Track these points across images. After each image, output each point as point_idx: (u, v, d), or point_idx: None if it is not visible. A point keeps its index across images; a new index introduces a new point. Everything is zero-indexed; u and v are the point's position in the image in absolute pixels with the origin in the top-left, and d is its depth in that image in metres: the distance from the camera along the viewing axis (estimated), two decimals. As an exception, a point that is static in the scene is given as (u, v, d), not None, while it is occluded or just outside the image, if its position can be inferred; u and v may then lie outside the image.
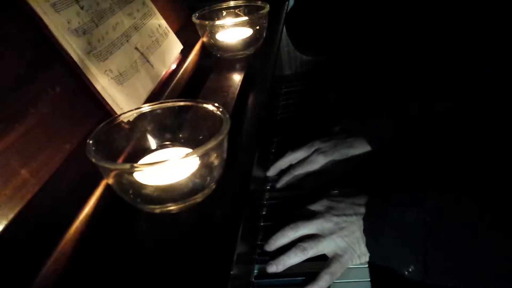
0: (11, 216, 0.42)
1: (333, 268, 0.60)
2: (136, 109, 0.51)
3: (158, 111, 0.52)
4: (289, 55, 1.23)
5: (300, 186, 0.77)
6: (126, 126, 0.51)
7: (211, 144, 0.43)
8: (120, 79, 0.58)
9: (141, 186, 0.45)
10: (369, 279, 0.61)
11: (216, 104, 0.50)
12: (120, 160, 0.49)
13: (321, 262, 0.62)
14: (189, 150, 0.45)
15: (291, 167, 0.78)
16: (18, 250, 0.40)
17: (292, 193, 0.77)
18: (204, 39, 0.80)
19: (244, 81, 0.74)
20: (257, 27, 0.80)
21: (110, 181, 0.45)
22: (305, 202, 0.68)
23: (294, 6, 1.18)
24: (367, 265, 0.63)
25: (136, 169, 0.42)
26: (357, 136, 0.76)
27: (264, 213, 0.77)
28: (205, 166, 0.46)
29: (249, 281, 0.64)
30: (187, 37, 0.81)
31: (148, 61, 0.65)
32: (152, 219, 0.47)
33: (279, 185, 0.78)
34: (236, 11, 0.85)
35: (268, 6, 0.81)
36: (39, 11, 0.51)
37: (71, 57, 0.53)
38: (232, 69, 0.78)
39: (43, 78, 0.51)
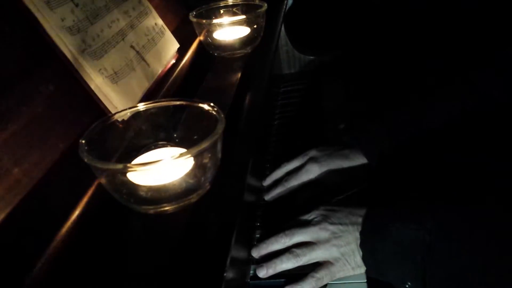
0: (2, 216, 0.41)
1: (320, 273, 0.60)
2: (130, 108, 0.51)
3: (153, 110, 0.52)
4: (288, 55, 1.22)
5: (294, 197, 0.75)
6: (120, 126, 0.50)
7: (205, 144, 0.42)
8: (115, 77, 0.57)
9: (135, 186, 0.44)
10: None
11: (212, 104, 0.49)
12: (114, 160, 0.48)
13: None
14: (184, 150, 0.45)
15: (284, 178, 0.76)
16: (8, 250, 0.39)
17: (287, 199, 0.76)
18: (201, 37, 0.80)
19: (241, 80, 0.73)
20: (255, 26, 0.79)
21: (103, 181, 0.44)
22: (300, 209, 0.67)
23: (292, 5, 1.18)
24: (365, 280, 0.62)
25: (129, 169, 0.42)
26: (354, 148, 0.75)
27: (260, 213, 0.77)
28: (200, 166, 0.45)
29: (245, 282, 0.64)
30: (184, 36, 0.81)
31: (144, 59, 0.64)
32: (146, 219, 0.47)
33: (269, 197, 0.76)
34: (234, 9, 0.84)
35: (265, 4, 0.80)
36: (32, 8, 0.50)
37: (64, 55, 0.53)
38: (229, 68, 0.78)
39: (36, 76, 0.50)
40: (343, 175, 0.73)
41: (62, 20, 0.53)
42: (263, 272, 0.62)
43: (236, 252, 0.54)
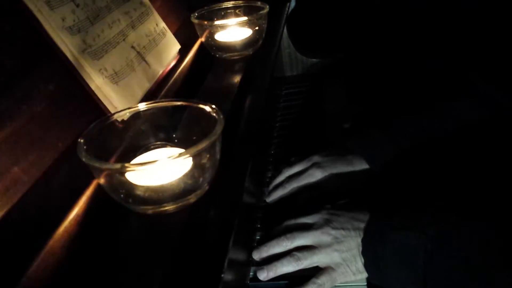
0: (0, 214, 0.41)
1: (322, 279, 0.59)
2: (129, 108, 0.51)
3: (152, 110, 0.52)
4: (290, 57, 1.22)
5: (294, 198, 0.75)
6: (119, 125, 0.50)
7: (203, 144, 0.42)
8: (115, 78, 0.57)
9: (133, 186, 0.44)
10: None
11: (211, 105, 0.49)
12: (112, 160, 0.48)
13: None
14: (182, 151, 0.45)
15: (285, 181, 0.76)
16: (5, 248, 0.39)
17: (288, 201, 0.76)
18: (203, 39, 0.80)
19: (242, 82, 0.73)
20: (256, 28, 0.79)
21: (101, 181, 0.44)
22: (301, 211, 0.67)
23: (295, 8, 1.18)
24: (365, 283, 0.62)
25: (127, 169, 0.42)
26: (357, 154, 0.74)
27: (261, 215, 0.76)
28: (198, 166, 0.45)
29: (245, 284, 0.64)
30: (186, 37, 0.81)
31: (144, 60, 0.64)
32: (144, 220, 0.47)
33: (271, 199, 0.76)
34: (235, 11, 0.84)
35: (267, 6, 0.80)
36: (33, 8, 0.50)
37: (65, 55, 0.53)
38: (231, 70, 0.78)
39: (36, 75, 0.50)
40: (345, 180, 0.73)
41: (63, 20, 0.53)
42: (264, 275, 0.62)
43: (235, 254, 0.54)
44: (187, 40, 0.80)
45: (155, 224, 0.46)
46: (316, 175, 0.73)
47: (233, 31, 0.79)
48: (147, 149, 0.51)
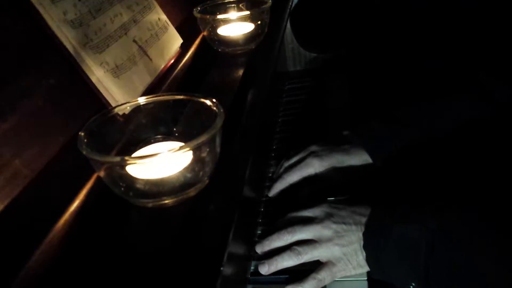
0: (1, 206, 0.42)
1: (322, 274, 0.59)
2: (130, 102, 0.51)
3: (153, 104, 0.52)
4: (293, 52, 1.22)
5: (296, 193, 0.75)
6: (120, 119, 0.50)
7: (203, 138, 0.42)
8: (117, 71, 0.57)
9: (133, 179, 0.44)
10: None
11: (212, 99, 0.49)
12: (113, 153, 0.49)
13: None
14: (183, 144, 0.45)
15: (283, 172, 0.76)
16: (6, 240, 0.40)
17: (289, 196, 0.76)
18: (205, 33, 0.80)
19: (244, 76, 0.73)
20: (259, 22, 0.79)
21: (102, 174, 0.44)
22: (303, 205, 0.67)
23: (298, 3, 1.17)
24: (366, 278, 0.62)
25: (127, 162, 0.42)
26: (355, 144, 0.74)
27: (262, 209, 0.76)
28: (198, 160, 0.45)
29: (245, 278, 0.64)
30: (188, 31, 0.81)
31: (146, 54, 0.64)
32: (144, 213, 0.47)
33: (272, 193, 0.76)
34: (238, 5, 0.84)
35: (270, 1, 0.80)
36: (34, 2, 0.51)
37: (66, 49, 0.53)
38: (233, 64, 0.77)
39: (37, 69, 0.50)
40: (343, 170, 0.73)
41: (64, 13, 0.54)
42: (265, 269, 0.62)
43: (235, 247, 0.54)
44: (189, 35, 0.80)
45: (155, 218, 0.47)
46: (313, 164, 0.73)
47: (236, 25, 0.79)
48: (147, 142, 0.51)
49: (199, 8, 0.80)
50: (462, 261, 0.52)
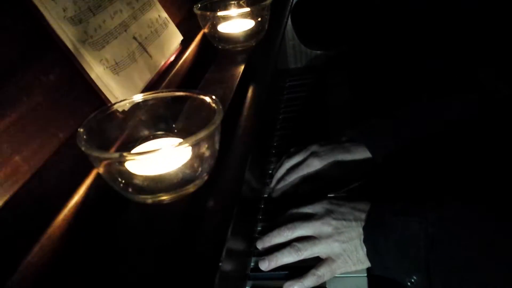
0: (0, 202, 0.42)
1: (321, 271, 0.59)
2: (129, 98, 0.51)
3: (152, 101, 0.52)
4: (294, 49, 1.22)
5: (296, 189, 0.75)
6: (119, 116, 0.50)
7: (202, 134, 0.42)
8: (116, 68, 0.57)
9: (132, 176, 0.44)
10: None
11: (211, 95, 0.49)
12: (113, 149, 0.49)
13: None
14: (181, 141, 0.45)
15: (285, 173, 0.76)
16: (5, 236, 0.40)
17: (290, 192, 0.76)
18: (206, 30, 0.80)
19: (244, 73, 0.73)
20: (259, 19, 0.79)
21: (101, 170, 0.44)
22: (303, 202, 0.67)
23: (299, 0, 1.17)
24: (365, 274, 0.62)
25: (125, 158, 0.42)
26: (356, 142, 0.74)
27: (262, 206, 0.77)
28: (197, 156, 0.45)
29: (245, 274, 0.64)
30: (189, 28, 0.81)
31: (146, 51, 0.64)
32: (143, 209, 0.47)
33: (275, 195, 0.76)
34: (239, 2, 0.84)
35: (270, -3, 0.80)
36: (34, -1, 0.51)
37: (65, 45, 0.53)
38: (233, 61, 0.77)
39: (37, 66, 0.50)
40: (344, 168, 0.73)
41: (64, 10, 0.54)
42: (265, 265, 0.62)
43: (235, 244, 0.54)
44: (190, 32, 0.80)
45: (154, 214, 0.47)
46: (314, 165, 0.73)
47: (236, 22, 0.79)
48: (147, 139, 0.51)
49: (199, 5, 0.80)
50: (463, 253, 0.52)
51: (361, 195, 0.67)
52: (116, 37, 0.60)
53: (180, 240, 0.44)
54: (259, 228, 0.72)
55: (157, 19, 0.70)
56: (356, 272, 0.62)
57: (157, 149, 0.41)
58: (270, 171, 0.83)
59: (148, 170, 0.45)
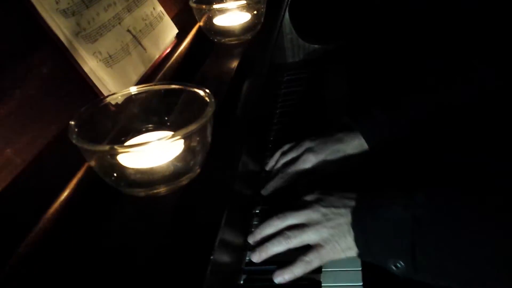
0: (-8, 195, 0.42)
1: (310, 257, 0.59)
2: (122, 91, 0.51)
3: (145, 94, 0.51)
4: (292, 43, 1.21)
5: (293, 185, 0.75)
6: (112, 109, 0.50)
7: (193, 126, 0.42)
8: (110, 61, 0.57)
9: (124, 169, 0.44)
10: (361, 283, 0.60)
11: (204, 88, 0.49)
12: (105, 143, 0.48)
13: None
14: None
15: (280, 170, 0.76)
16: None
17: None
18: (201, 23, 0.79)
19: (239, 66, 0.73)
20: (255, 12, 0.78)
21: (93, 163, 0.44)
22: (299, 196, 0.67)
23: (297, -7, 1.17)
24: (360, 268, 0.62)
25: (116, 151, 0.42)
26: (349, 131, 0.74)
27: (259, 200, 0.76)
28: (189, 149, 0.45)
29: (241, 268, 0.64)
30: (184, 21, 0.80)
31: (140, 44, 0.64)
32: (135, 202, 0.47)
33: (266, 192, 0.75)
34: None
35: (266, -10, 0.79)
36: (26, -9, 0.50)
37: (58, 38, 0.53)
38: (229, 55, 0.77)
39: (29, 58, 0.50)
40: (339, 158, 0.73)
41: (57, 3, 0.53)
42: (257, 257, 0.62)
43: (229, 237, 0.54)
44: (185, 25, 0.80)
45: (146, 207, 0.47)
46: (310, 160, 0.73)
47: (232, 15, 0.79)
48: (139, 132, 0.51)
49: (195, -2, 0.80)
50: (449, 235, 0.52)
51: (355, 183, 0.67)
52: (110, 30, 0.59)
53: (172, 232, 0.44)
54: (255, 223, 0.72)
55: (152, 12, 0.70)
56: (350, 266, 0.62)
57: (149, 142, 0.41)
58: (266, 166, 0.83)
59: (140, 163, 0.45)
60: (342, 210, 0.61)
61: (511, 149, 0.63)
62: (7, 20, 0.50)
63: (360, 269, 0.62)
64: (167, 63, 0.67)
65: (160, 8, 0.72)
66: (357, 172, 0.74)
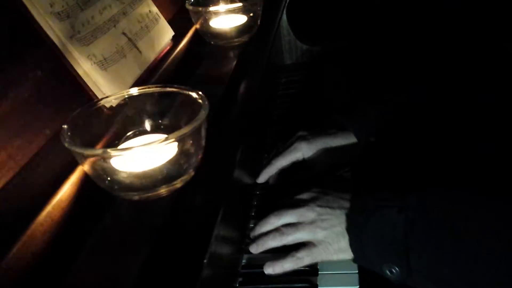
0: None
1: (301, 253, 0.60)
2: (116, 94, 0.51)
3: (139, 97, 0.51)
4: (290, 44, 1.21)
5: (288, 186, 0.75)
6: (106, 112, 0.50)
7: (186, 129, 0.42)
8: (104, 64, 0.57)
9: (117, 172, 0.44)
10: (358, 287, 0.60)
11: (198, 91, 0.49)
12: (99, 146, 0.48)
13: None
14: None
15: (272, 158, 0.77)
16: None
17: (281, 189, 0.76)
18: (198, 26, 0.79)
19: (235, 69, 0.73)
20: (251, 14, 0.78)
21: (86, 167, 0.44)
22: (293, 192, 0.67)
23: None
24: (356, 271, 0.62)
25: (109, 154, 0.41)
26: (342, 127, 0.75)
27: (255, 203, 0.76)
28: (183, 152, 0.45)
29: (237, 271, 0.64)
30: (181, 24, 0.80)
31: (136, 47, 0.64)
32: (129, 205, 0.47)
33: (261, 179, 0.76)
34: (231, -2, 0.83)
35: (262, -7, 0.79)
36: (19, -6, 0.50)
37: (52, 41, 0.52)
38: (225, 57, 0.77)
39: (23, 61, 0.50)
40: (332, 153, 0.74)
41: (51, 5, 0.53)
42: (254, 249, 0.64)
43: (225, 240, 0.54)
44: (182, 27, 0.79)
45: (140, 210, 0.46)
46: (301, 147, 0.75)
47: (228, 17, 0.79)
48: (133, 135, 0.51)
49: (191, 0, 0.80)
50: (443, 237, 0.52)
51: (349, 183, 0.68)
52: (105, 33, 0.59)
53: (166, 236, 0.44)
54: (251, 225, 0.72)
55: (147, 14, 0.70)
56: (346, 268, 0.62)
57: (142, 145, 0.41)
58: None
59: (134, 167, 0.45)
60: (337, 211, 0.61)
61: (505, 148, 0.63)
62: (0, 22, 0.49)
63: (357, 272, 0.62)
64: (162, 66, 0.67)
65: (156, 10, 0.72)
66: (353, 172, 0.74)
